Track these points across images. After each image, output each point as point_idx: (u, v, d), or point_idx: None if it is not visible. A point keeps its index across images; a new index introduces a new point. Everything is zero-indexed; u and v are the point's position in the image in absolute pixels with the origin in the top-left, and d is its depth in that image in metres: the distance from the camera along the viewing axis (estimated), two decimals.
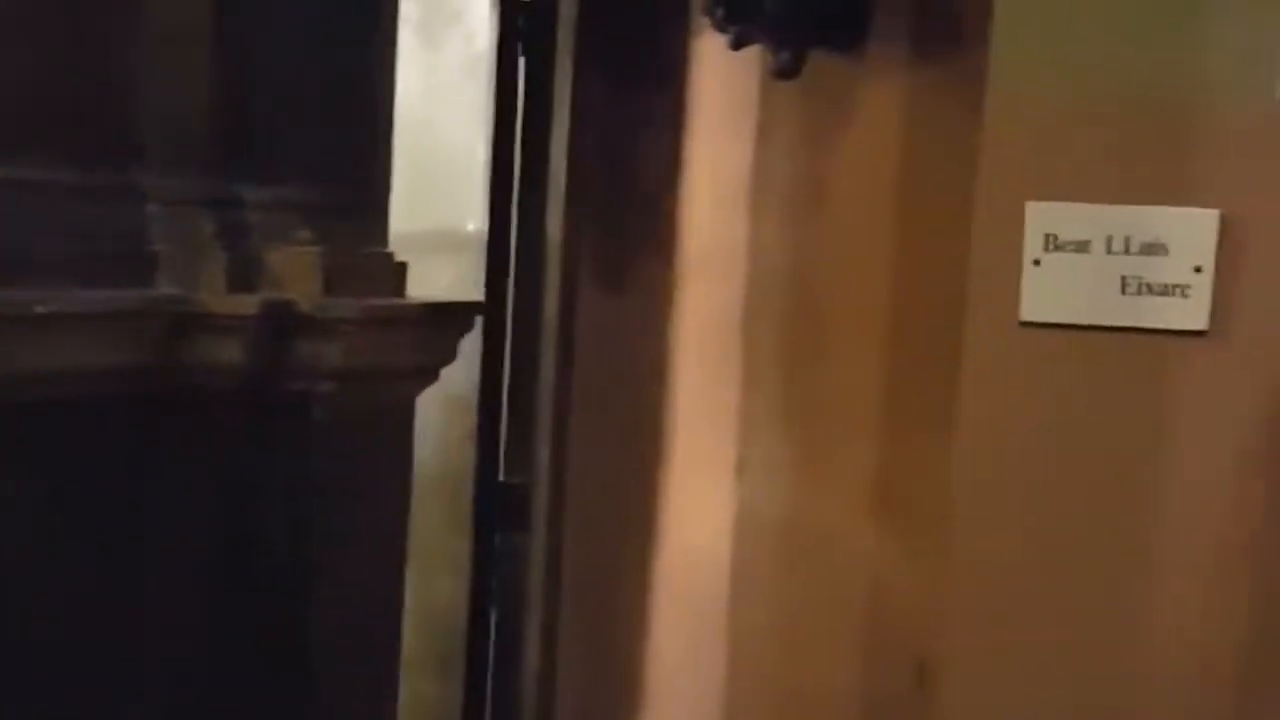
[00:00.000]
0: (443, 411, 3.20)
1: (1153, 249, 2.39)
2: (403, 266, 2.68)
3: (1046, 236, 2.42)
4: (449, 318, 2.70)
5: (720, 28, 2.68)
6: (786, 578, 2.91)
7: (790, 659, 2.91)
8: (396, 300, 2.60)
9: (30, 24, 2.12)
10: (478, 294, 3.03)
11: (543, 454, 3.01)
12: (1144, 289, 2.40)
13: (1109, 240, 2.41)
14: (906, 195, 2.81)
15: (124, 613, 2.31)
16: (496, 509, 3.09)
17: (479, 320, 2.92)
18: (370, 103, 2.67)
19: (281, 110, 2.48)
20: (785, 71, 2.67)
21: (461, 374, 2.95)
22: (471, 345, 2.92)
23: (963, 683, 2.49)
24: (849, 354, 2.84)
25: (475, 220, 3.57)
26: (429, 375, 2.71)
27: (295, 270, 2.43)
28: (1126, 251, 2.40)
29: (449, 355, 2.72)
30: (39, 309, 1.98)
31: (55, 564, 2.17)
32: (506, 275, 3.05)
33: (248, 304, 2.32)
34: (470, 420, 3.13)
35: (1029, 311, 2.42)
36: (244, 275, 2.39)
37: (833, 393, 2.85)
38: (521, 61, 3.12)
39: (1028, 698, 2.45)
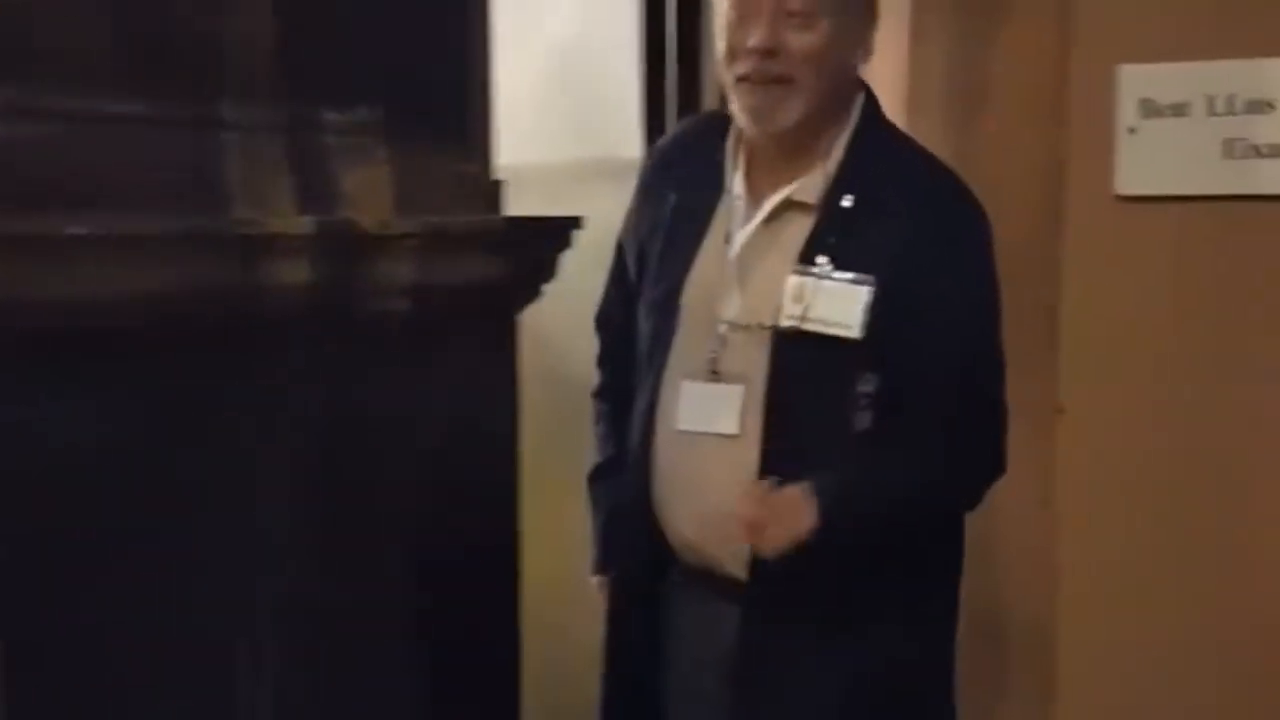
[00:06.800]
0: None
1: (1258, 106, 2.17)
2: (496, 185, 2.63)
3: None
4: (537, 234, 2.64)
5: None
6: None
7: None
8: (475, 217, 2.55)
9: None
10: None
11: None
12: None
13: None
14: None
15: (226, 537, 2.30)
16: None
17: None
18: (459, 19, 2.63)
19: (362, 30, 2.44)
20: None
21: None
22: None
23: None
24: None
25: (634, 148, 3.51)
26: (527, 293, 2.66)
27: (367, 190, 2.40)
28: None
29: (547, 273, 2.66)
30: (70, 230, 1.98)
31: (135, 499, 2.18)
32: None
33: (304, 224, 2.30)
34: None
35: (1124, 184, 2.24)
36: (317, 197, 2.37)
37: None
38: None
39: None
